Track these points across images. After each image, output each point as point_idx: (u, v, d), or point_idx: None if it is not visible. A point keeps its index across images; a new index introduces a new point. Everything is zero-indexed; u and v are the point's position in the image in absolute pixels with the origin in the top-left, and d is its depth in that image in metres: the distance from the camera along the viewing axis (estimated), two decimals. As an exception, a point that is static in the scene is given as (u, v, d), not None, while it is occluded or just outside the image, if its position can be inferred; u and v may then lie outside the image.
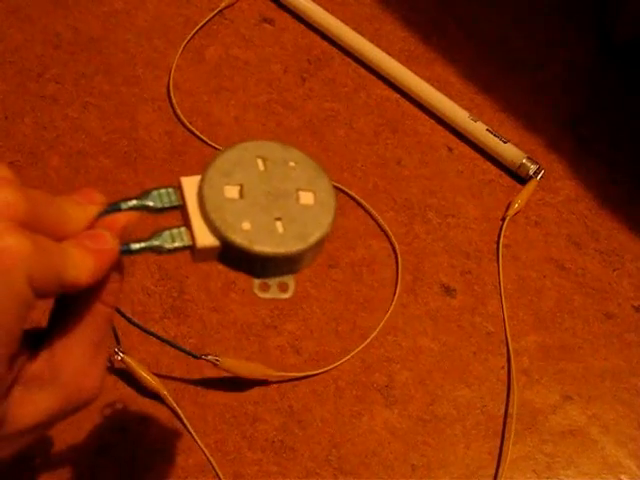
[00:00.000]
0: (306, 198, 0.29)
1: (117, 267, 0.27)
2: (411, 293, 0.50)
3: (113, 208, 0.27)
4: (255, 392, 0.46)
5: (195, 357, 0.44)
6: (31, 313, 0.23)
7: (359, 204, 0.53)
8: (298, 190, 0.29)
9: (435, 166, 0.56)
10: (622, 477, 0.44)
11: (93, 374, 0.27)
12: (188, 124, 0.56)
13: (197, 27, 0.60)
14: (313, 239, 0.29)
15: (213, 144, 0.55)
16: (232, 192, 0.28)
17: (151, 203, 0.28)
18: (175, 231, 0.28)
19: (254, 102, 0.57)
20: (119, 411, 0.44)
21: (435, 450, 0.44)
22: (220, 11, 0.62)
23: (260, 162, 0.29)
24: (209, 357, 0.44)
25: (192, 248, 0.28)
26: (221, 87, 0.58)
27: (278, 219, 0.28)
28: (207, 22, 0.61)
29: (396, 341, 0.48)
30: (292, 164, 0.30)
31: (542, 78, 0.60)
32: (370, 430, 0.45)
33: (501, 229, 0.53)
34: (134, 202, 0.28)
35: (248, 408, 0.45)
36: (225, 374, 0.45)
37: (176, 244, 0.28)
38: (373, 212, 0.53)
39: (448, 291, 0.50)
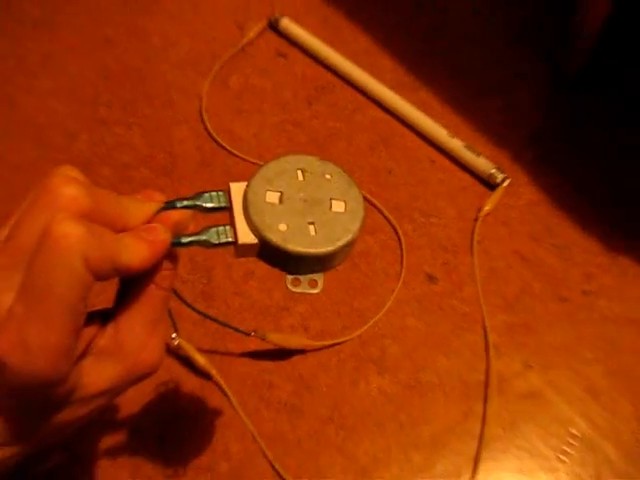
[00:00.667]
0: (338, 206, 0.29)
1: (170, 256, 0.27)
2: (400, 281, 0.50)
3: (169, 206, 0.27)
4: (271, 364, 0.46)
5: (246, 334, 0.43)
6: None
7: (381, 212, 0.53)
8: (331, 199, 0.29)
9: (420, 175, 0.55)
10: (572, 430, 0.44)
11: (152, 348, 0.26)
12: (217, 138, 0.56)
13: (223, 60, 0.60)
14: (341, 242, 0.28)
15: (237, 154, 0.55)
16: (273, 197, 0.28)
17: (202, 203, 0.28)
18: (221, 229, 0.28)
19: (269, 122, 0.57)
20: (172, 389, 0.44)
21: (419, 410, 0.44)
22: (242, 47, 0.61)
23: (300, 173, 0.29)
24: (257, 333, 0.44)
25: (235, 244, 0.28)
26: (242, 110, 0.58)
27: (311, 223, 0.28)
28: (231, 57, 0.61)
29: (388, 321, 0.48)
30: (328, 176, 0.29)
31: (509, 102, 0.60)
32: (366, 394, 0.45)
33: (474, 227, 0.52)
34: (188, 202, 0.28)
35: (265, 377, 0.45)
36: (261, 347, 0.45)
37: (221, 239, 0.28)
38: (388, 216, 0.53)
39: (431, 279, 0.50)
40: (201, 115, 0.57)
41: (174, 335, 0.44)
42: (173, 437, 0.42)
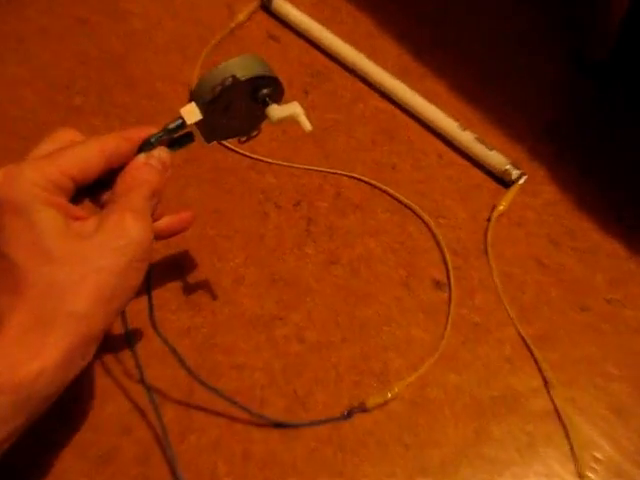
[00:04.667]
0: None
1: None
2: (405, 287, 0.49)
3: (147, 143, 0.36)
4: (263, 376, 0.45)
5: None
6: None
7: (400, 202, 0.52)
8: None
9: (427, 171, 0.55)
10: (595, 454, 0.44)
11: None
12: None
13: (211, 45, 0.60)
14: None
15: (227, 146, 0.54)
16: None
17: (168, 126, 0.37)
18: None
19: (262, 113, 0.57)
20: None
21: (426, 430, 0.44)
22: (231, 30, 0.61)
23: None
24: (355, 409, 0.43)
25: (188, 125, 0.37)
26: (232, 99, 0.57)
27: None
28: (220, 40, 0.60)
29: (391, 331, 0.47)
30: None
31: (526, 91, 0.60)
32: (367, 412, 0.44)
33: (487, 229, 0.52)
34: (158, 134, 0.37)
35: (256, 392, 0.44)
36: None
37: (176, 122, 0.36)
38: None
39: (438, 285, 0.49)
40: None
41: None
42: (158, 459, 0.41)
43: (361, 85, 0.59)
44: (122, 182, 0.36)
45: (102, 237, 0.33)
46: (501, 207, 0.52)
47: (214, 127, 0.38)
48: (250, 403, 0.44)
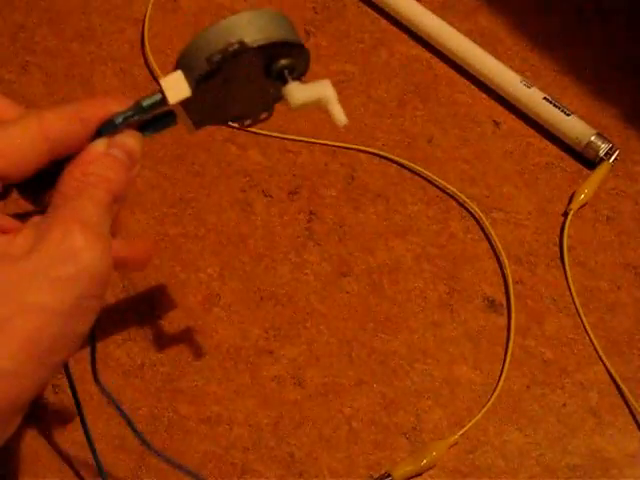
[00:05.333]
0: None
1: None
2: (446, 308, 0.51)
3: (109, 126, 0.35)
4: (246, 434, 0.47)
5: None
6: None
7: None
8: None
9: (477, 145, 0.56)
10: None
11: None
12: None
13: (170, -34, 0.61)
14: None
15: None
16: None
17: (141, 103, 0.35)
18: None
19: (244, 63, 0.58)
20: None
21: (479, 508, 0.46)
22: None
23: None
24: None
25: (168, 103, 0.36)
26: (201, 43, 0.59)
27: None
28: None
29: (426, 370, 0.49)
30: None
31: (619, 30, 0.61)
32: (393, 484, 0.46)
33: (563, 227, 0.53)
34: (127, 112, 0.35)
35: (236, 455, 0.46)
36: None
37: (154, 98, 0.35)
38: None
39: (493, 306, 0.51)
40: (142, 50, 0.58)
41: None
42: None
43: (385, 23, 0.60)
44: (70, 179, 0.34)
45: (39, 261, 0.32)
46: (583, 196, 0.54)
47: (207, 107, 0.38)
48: (226, 474, 0.45)
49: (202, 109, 0.37)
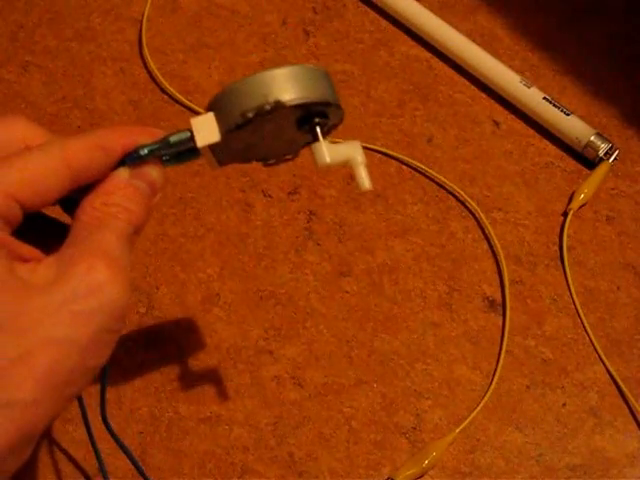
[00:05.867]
0: None
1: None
2: (445, 308, 0.51)
3: (133, 157, 0.35)
4: (245, 434, 0.47)
5: None
6: None
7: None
8: None
9: (477, 145, 0.56)
10: None
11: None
12: (164, 86, 0.57)
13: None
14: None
15: (195, 108, 0.56)
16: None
17: (169, 138, 0.35)
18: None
19: (244, 62, 0.58)
20: None
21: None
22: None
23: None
24: None
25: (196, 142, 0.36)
26: (201, 43, 0.59)
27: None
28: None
29: (426, 370, 0.49)
30: None
31: (618, 29, 0.61)
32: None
33: (563, 227, 0.53)
34: (152, 145, 0.35)
35: (236, 455, 0.46)
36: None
37: (181, 136, 0.35)
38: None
39: (493, 306, 0.51)
40: (139, 50, 0.58)
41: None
42: None
43: (385, 23, 0.61)
44: (92, 209, 0.34)
45: (62, 294, 0.32)
46: (582, 195, 0.54)
47: (233, 149, 0.38)
48: (226, 474, 0.45)
49: (228, 151, 0.37)
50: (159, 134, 0.36)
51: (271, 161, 0.41)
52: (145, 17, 0.59)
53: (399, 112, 0.57)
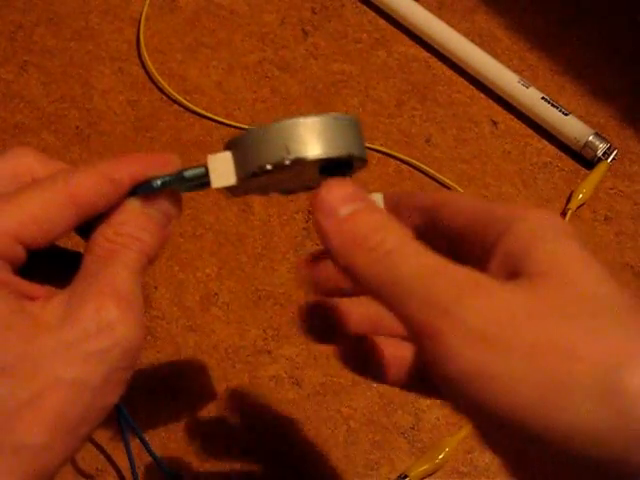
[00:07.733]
0: None
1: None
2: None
3: (145, 188, 0.34)
4: (242, 435, 0.47)
5: None
6: None
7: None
8: None
9: (475, 145, 0.56)
10: None
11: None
12: (163, 86, 0.57)
13: (168, -34, 0.61)
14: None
15: (194, 108, 0.56)
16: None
17: (183, 173, 0.34)
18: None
19: (242, 62, 0.58)
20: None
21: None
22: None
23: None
24: None
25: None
26: (200, 43, 0.59)
27: None
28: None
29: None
30: None
31: (616, 29, 0.61)
32: (392, 484, 0.46)
33: (561, 226, 0.53)
34: (166, 177, 0.34)
35: (235, 455, 0.46)
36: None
37: (196, 172, 0.34)
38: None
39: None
40: (137, 50, 0.58)
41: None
42: None
43: (383, 23, 0.61)
44: (103, 240, 0.33)
45: (72, 334, 0.31)
46: (581, 195, 0.54)
47: (250, 188, 0.37)
48: (226, 474, 0.45)
49: (244, 189, 0.36)
50: (166, 161, 0.34)
51: (285, 193, 0.40)
52: (143, 17, 0.59)
53: (398, 112, 0.57)
